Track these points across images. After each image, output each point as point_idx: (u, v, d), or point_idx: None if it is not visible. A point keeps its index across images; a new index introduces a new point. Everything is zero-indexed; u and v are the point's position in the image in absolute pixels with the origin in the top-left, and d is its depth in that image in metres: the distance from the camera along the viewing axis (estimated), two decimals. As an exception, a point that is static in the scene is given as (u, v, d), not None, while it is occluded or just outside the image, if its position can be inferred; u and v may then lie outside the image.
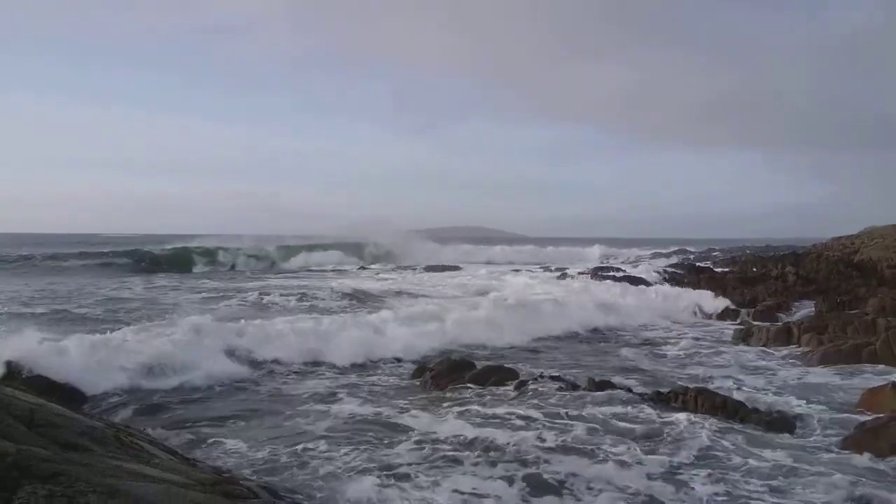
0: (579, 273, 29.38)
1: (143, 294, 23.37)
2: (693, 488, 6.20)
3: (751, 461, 6.93)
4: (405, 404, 9.42)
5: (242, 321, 14.07)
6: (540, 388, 9.89)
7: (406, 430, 8.07)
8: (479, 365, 11.18)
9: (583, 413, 8.88)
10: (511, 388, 10.03)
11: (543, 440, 7.59)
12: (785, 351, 13.76)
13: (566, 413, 8.74)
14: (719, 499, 5.97)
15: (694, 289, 22.74)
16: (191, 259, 39.03)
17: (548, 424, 8.29)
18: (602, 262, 39.48)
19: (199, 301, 21.31)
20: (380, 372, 11.77)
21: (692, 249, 67.04)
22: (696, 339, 15.76)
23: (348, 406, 9.21)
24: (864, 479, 6.33)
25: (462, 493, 6.02)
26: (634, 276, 28.10)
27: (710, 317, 19.57)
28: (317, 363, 12.06)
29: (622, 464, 6.85)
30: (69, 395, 8.85)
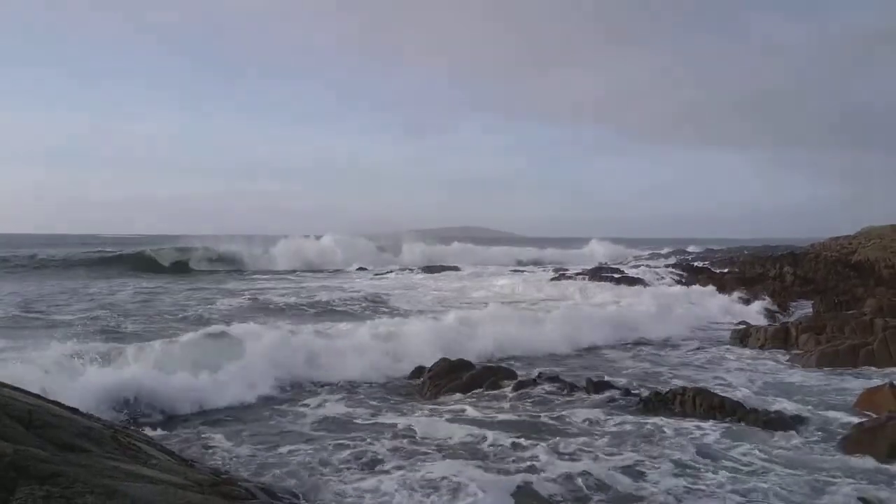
0: (577, 274, 29.34)
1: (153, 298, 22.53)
2: (688, 489, 6.18)
3: (748, 462, 6.95)
4: (400, 405, 9.44)
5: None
6: (538, 390, 9.91)
7: (403, 428, 8.09)
8: (478, 366, 11.18)
9: (580, 412, 8.91)
10: (509, 389, 10.04)
11: (536, 441, 7.60)
12: (783, 351, 13.77)
13: (562, 415, 8.77)
14: (715, 499, 5.97)
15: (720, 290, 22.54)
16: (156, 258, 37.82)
17: (542, 426, 8.31)
18: (601, 263, 39.41)
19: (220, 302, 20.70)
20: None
21: (693, 249, 67.05)
22: (696, 339, 15.75)
23: (341, 407, 9.26)
24: (862, 480, 6.34)
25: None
26: (634, 277, 28.12)
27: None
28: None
29: (623, 466, 6.86)
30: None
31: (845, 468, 6.68)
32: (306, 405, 9.35)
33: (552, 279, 28.05)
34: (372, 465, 6.79)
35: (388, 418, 8.67)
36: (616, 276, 28.43)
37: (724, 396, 8.97)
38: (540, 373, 10.81)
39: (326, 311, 19.29)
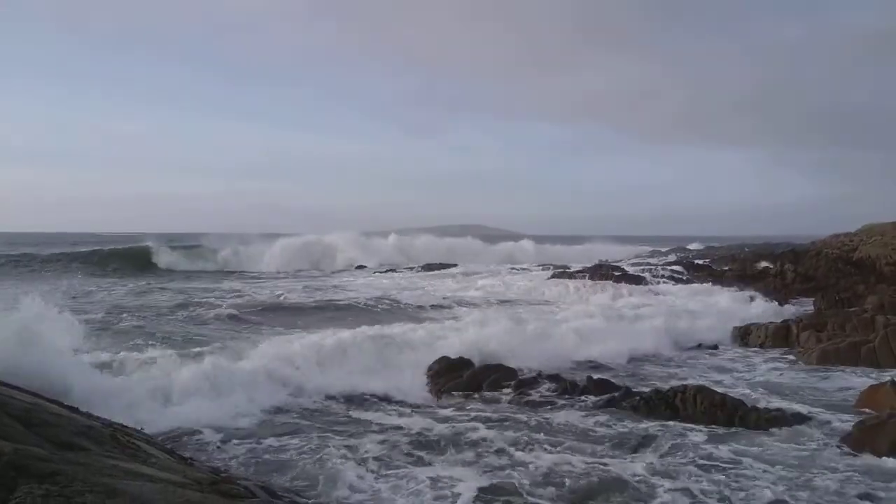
0: (577, 272, 29.29)
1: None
2: (686, 487, 6.16)
3: (749, 460, 6.93)
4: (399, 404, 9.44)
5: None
6: (539, 389, 9.90)
7: (398, 428, 8.10)
8: (479, 364, 11.16)
9: (579, 412, 8.91)
10: (509, 388, 10.04)
11: (531, 438, 7.59)
12: (784, 349, 13.76)
13: (560, 414, 8.78)
14: (717, 497, 5.95)
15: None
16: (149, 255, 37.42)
17: (540, 425, 8.30)
18: (601, 261, 39.31)
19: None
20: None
21: (694, 247, 66.97)
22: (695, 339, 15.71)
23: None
24: (863, 478, 6.33)
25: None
26: (635, 275, 28.09)
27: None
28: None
29: (623, 466, 6.86)
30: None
31: (847, 466, 6.66)
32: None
33: (550, 277, 27.98)
34: (365, 466, 6.79)
35: (383, 417, 8.68)
36: (617, 273, 28.39)
37: (725, 395, 8.95)
38: (539, 372, 10.79)
39: (360, 311, 18.65)
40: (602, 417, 8.62)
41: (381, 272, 36.12)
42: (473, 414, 8.81)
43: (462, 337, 12.67)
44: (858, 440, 7.20)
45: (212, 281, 29.08)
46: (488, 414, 8.82)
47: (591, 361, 12.38)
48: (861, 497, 5.87)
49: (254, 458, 6.93)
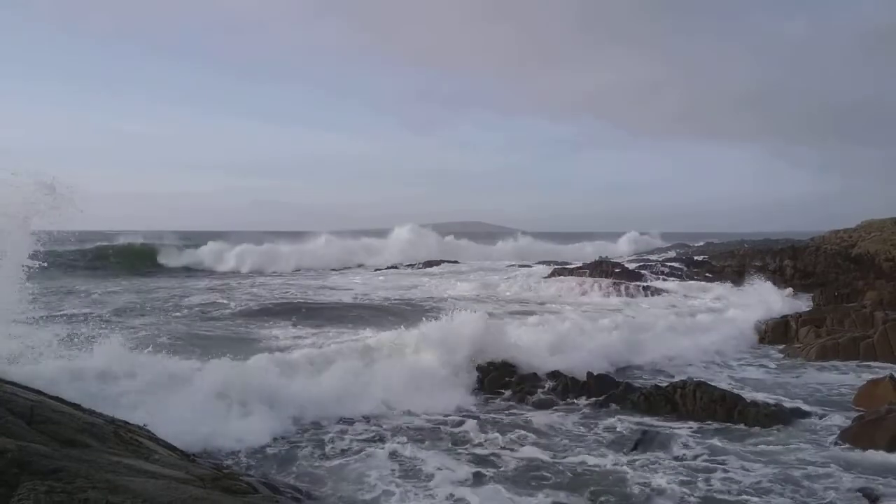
0: (577, 269, 29.28)
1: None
2: (684, 483, 6.18)
3: (747, 455, 6.96)
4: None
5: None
6: (538, 386, 9.90)
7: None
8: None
9: (577, 410, 8.93)
10: (510, 385, 10.05)
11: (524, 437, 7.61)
12: (783, 344, 13.78)
13: (558, 411, 8.79)
14: (717, 492, 5.97)
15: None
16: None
17: (538, 425, 8.32)
18: (601, 257, 39.28)
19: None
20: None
21: (693, 243, 67.00)
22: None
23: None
24: (862, 472, 6.35)
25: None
26: (634, 271, 28.11)
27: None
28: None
29: (616, 461, 6.88)
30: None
31: (846, 461, 6.69)
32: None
33: (549, 275, 27.93)
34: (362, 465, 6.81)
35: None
36: (617, 269, 28.39)
37: (724, 390, 8.98)
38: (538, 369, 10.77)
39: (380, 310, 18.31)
40: (600, 415, 8.64)
41: (382, 269, 36.12)
42: (470, 410, 8.85)
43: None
44: (858, 435, 7.22)
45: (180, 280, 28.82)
46: (486, 411, 8.85)
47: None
48: (861, 492, 5.88)
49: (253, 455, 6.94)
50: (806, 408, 8.70)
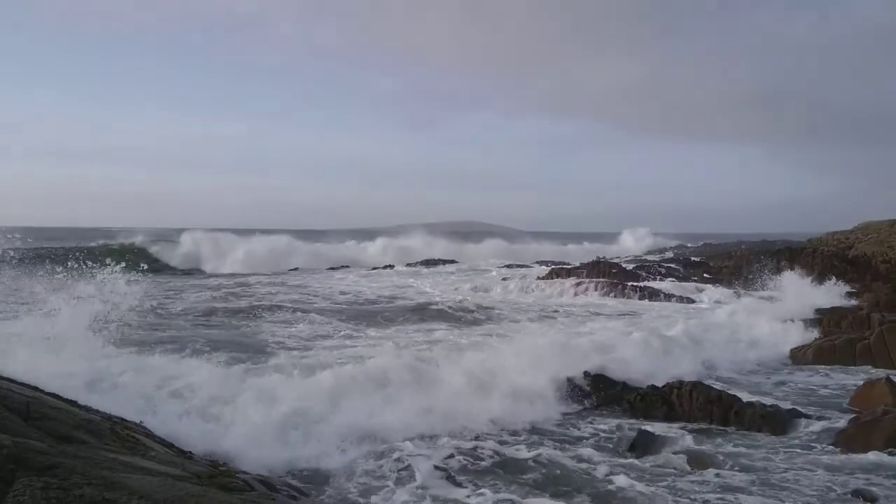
0: (575, 269, 29.29)
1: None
2: (675, 488, 6.16)
3: (744, 457, 6.97)
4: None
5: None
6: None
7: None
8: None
9: (572, 410, 8.93)
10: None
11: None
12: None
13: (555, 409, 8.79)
14: (714, 494, 5.98)
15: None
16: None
17: (533, 424, 8.31)
18: (599, 258, 39.29)
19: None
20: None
21: (691, 244, 67.06)
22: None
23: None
24: (858, 474, 6.36)
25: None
26: (631, 271, 28.13)
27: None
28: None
29: (610, 466, 6.89)
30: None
31: (842, 462, 6.70)
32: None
33: (547, 276, 27.89)
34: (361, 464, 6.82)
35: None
36: (614, 270, 28.41)
37: (721, 390, 8.99)
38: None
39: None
40: (595, 416, 8.65)
41: (378, 268, 36.09)
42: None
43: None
44: (854, 436, 7.24)
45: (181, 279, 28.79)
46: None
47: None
48: (856, 493, 5.89)
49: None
50: (802, 409, 8.71)
